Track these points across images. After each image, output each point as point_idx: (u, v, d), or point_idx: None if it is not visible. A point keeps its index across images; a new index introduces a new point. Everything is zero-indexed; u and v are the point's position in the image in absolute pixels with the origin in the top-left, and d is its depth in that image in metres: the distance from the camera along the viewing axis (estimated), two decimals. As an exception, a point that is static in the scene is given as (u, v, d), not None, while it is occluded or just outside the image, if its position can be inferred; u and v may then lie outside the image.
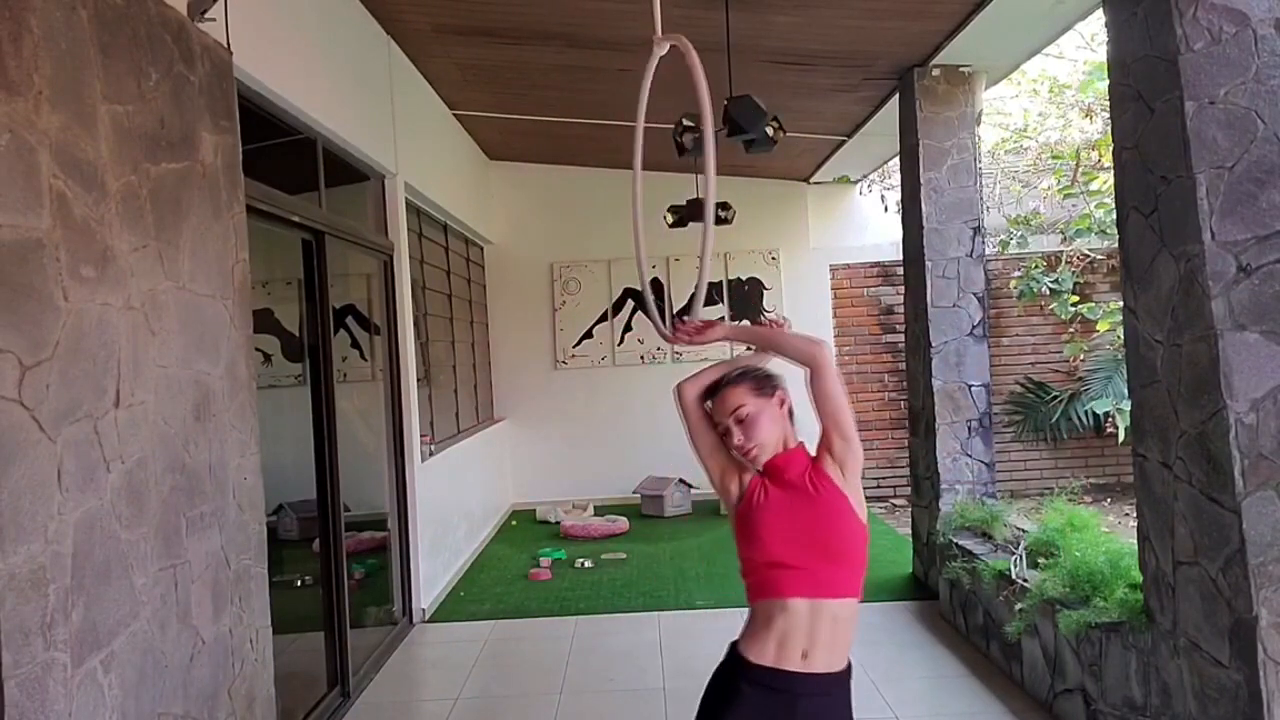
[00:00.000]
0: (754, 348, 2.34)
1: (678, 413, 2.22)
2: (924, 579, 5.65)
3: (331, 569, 4.32)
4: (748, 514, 2.07)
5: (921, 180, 5.46)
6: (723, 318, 8.86)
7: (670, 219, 6.41)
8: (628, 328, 9.04)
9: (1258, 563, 2.47)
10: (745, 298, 8.93)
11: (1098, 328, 8.15)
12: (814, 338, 2.20)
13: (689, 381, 2.22)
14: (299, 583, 5.23)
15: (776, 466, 2.10)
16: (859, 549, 2.05)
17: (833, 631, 1.98)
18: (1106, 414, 7.89)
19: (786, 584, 1.99)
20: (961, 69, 5.44)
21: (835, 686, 2.02)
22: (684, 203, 6.36)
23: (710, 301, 8.98)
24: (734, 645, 2.07)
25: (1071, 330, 8.49)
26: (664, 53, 2.20)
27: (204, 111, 2.98)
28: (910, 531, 6.08)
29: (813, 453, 2.14)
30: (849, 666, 2.05)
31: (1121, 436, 7.44)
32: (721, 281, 9.01)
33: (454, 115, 7.27)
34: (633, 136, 2.36)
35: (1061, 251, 8.45)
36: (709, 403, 2.18)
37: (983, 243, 5.52)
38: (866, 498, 2.12)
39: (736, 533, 2.12)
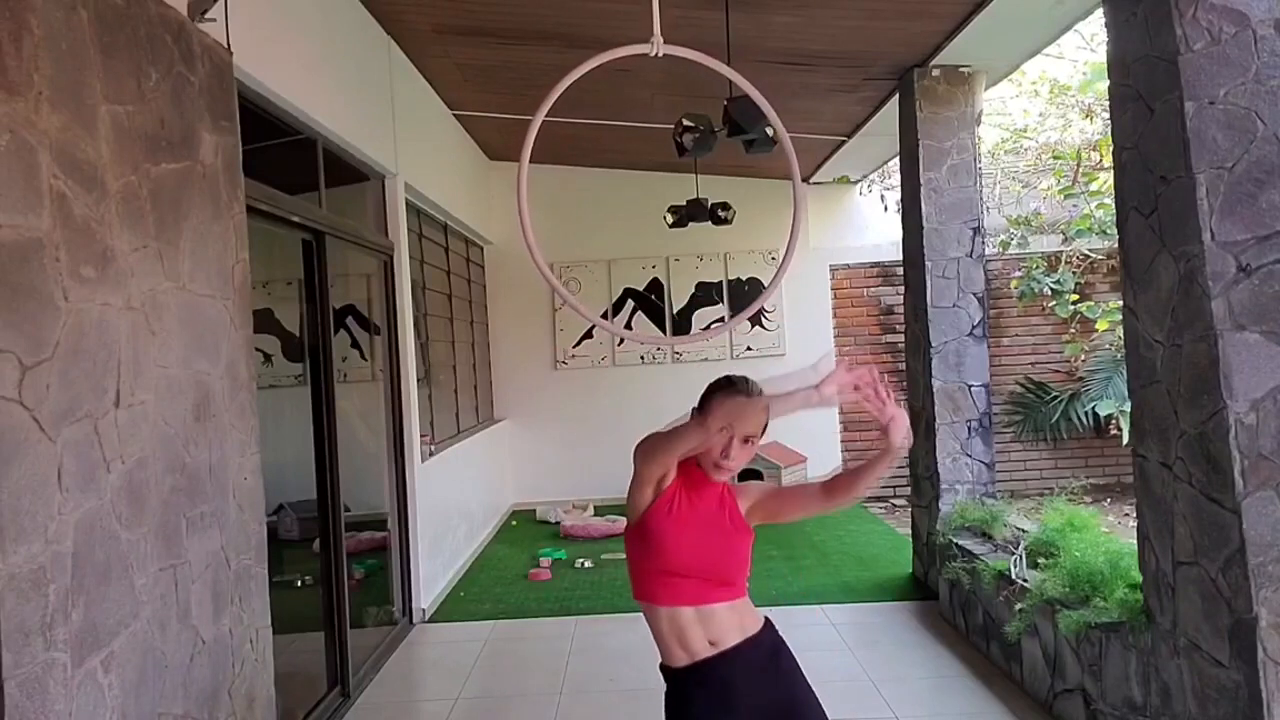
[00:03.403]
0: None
1: (647, 464, 2.06)
2: (924, 579, 5.65)
3: (331, 569, 4.32)
4: (656, 520, 2.08)
5: (921, 180, 5.46)
6: (722, 318, 8.86)
7: (670, 219, 6.42)
8: (628, 327, 9.05)
9: (1257, 563, 2.46)
10: (745, 298, 8.93)
11: (1097, 327, 8.16)
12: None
13: (668, 446, 2.01)
14: (299, 583, 5.24)
15: (699, 487, 2.12)
16: (745, 574, 2.15)
17: (729, 617, 2.09)
18: (1110, 416, 7.88)
19: (671, 594, 2.08)
20: (961, 69, 5.44)
21: (761, 643, 2.12)
22: (684, 203, 6.38)
23: (710, 302, 8.99)
24: (661, 667, 2.17)
25: (1072, 330, 8.49)
26: (654, 54, 2.17)
27: (204, 111, 2.98)
28: (910, 531, 6.08)
29: (736, 485, 2.19)
30: (768, 623, 2.16)
31: (1126, 439, 7.44)
32: (721, 281, 9.01)
33: (454, 115, 7.27)
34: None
35: (1062, 252, 8.45)
36: (726, 395, 2.05)
37: (982, 243, 5.52)
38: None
39: (633, 533, 2.14)
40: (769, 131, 4.30)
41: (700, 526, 2.08)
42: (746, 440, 2.06)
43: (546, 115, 2.07)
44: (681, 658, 2.09)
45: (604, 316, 8.99)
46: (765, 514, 2.19)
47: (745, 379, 2.10)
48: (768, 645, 2.15)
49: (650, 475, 2.08)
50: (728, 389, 2.08)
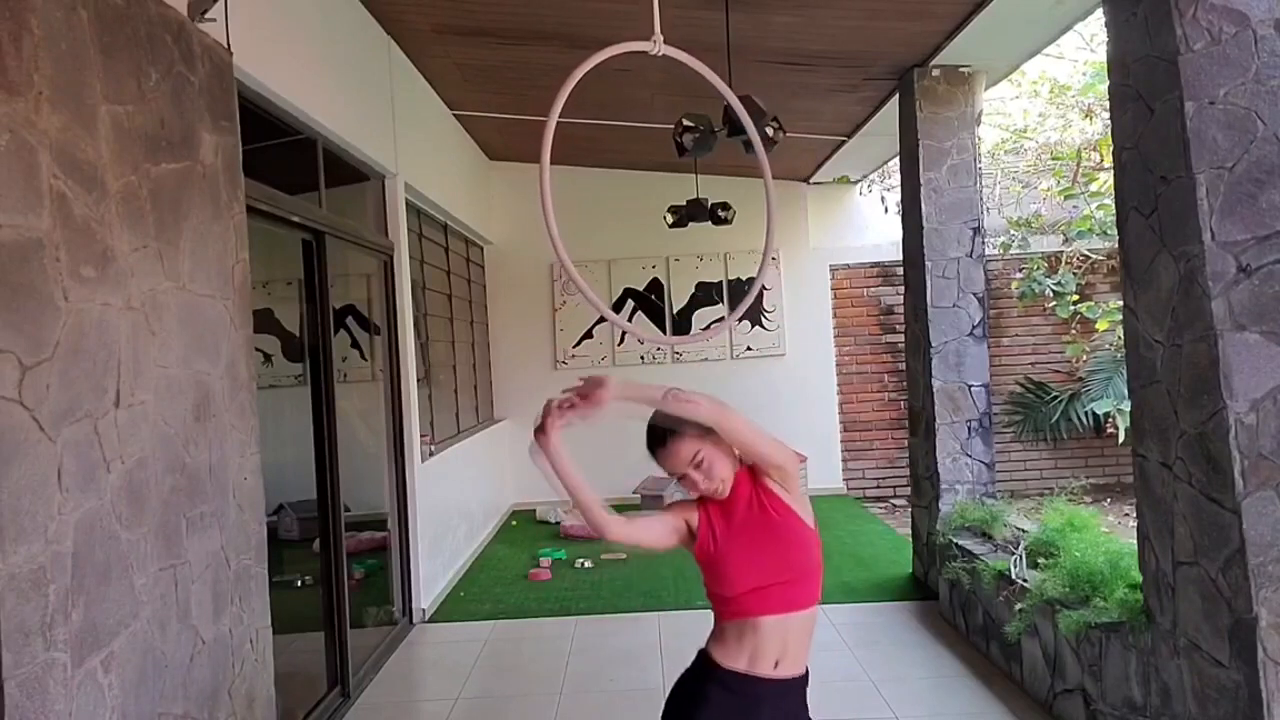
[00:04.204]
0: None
1: (628, 544, 2.17)
2: (924, 579, 5.65)
3: (331, 569, 4.32)
4: (709, 554, 2.08)
5: (921, 180, 5.46)
6: (722, 318, 8.85)
7: (670, 219, 6.41)
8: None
9: (1257, 563, 2.47)
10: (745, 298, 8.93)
11: (1097, 327, 8.16)
12: (706, 397, 2.00)
13: (605, 531, 2.12)
14: (299, 583, 5.24)
15: (725, 499, 2.10)
16: (815, 560, 2.09)
17: (799, 638, 2.06)
18: (1107, 415, 7.89)
19: (756, 606, 2.03)
20: (961, 69, 5.44)
21: (796, 689, 2.09)
22: (684, 203, 6.37)
23: (710, 302, 8.98)
24: (704, 651, 2.12)
25: (1072, 330, 8.50)
26: (655, 52, 2.17)
27: (204, 111, 2.98)
28: (910, 531, 6.08)
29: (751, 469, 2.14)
30: (807, 671, 2.11)
31: (1122, 438, 7.44)
32: (721, 281, 9.01)
33: (454, 115, 7.27)
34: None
35: (1062, 252, 8.46)
36: (655, 458, 2.14)
37: (982, 243, 5.52)
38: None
39: (702, 570, 2.13)
40: (769, 131, 4.30)
41: (749, 537, 2.04)
42: (697, 466, 2.06)
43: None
44: (741, 664, 2.03)
45: (603, 318, 8.98)
46: (768, 472, 2.11)
47: (650, 436, 2.12)
48: (801, 697, 2.10)
49: (655, 545, 2.18)
50: (651, 453, 2.15)
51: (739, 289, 8.96)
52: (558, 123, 2.00)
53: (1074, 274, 8.41)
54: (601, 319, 8.97)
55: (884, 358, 9.09)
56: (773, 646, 2.02)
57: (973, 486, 5.37)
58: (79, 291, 2.24)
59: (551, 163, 1.99)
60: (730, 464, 2.09)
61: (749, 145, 4.37)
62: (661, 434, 2.09)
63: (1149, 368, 2.92)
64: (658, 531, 2.14)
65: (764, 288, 8.94)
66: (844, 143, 7.38)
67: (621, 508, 2.10)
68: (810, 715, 2.13)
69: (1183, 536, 2.76)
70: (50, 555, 2.07)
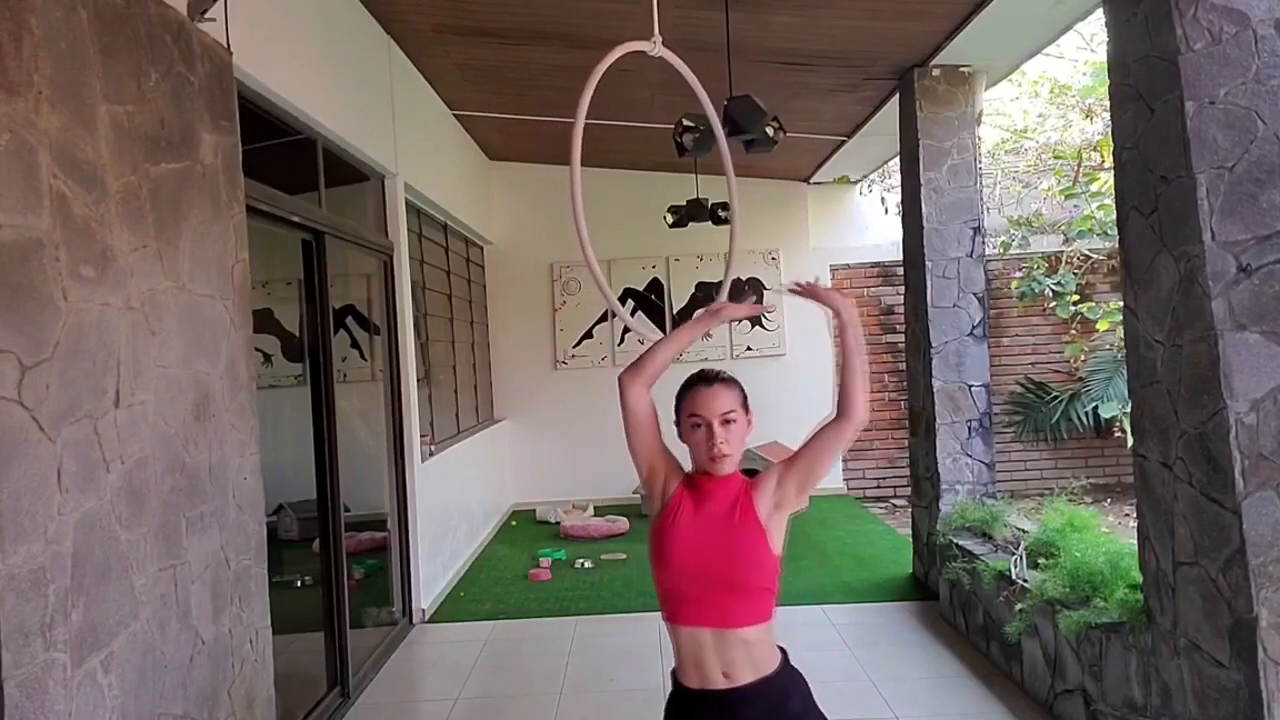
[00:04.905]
0: (837, 336, 2.32)
1: (621, 403, 2.13)
2: (924, 579, 5.65)
3: (331, 569, 4.32)
4: (662, 530, 2.04)
5: (921, 180, 5.46)
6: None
7: (670, 219, 6.42)
8: (627, 328, 9.05)
9: (1258, 563, 2.46)
10: (745, 298, 8.94)
11: (1098, 328, 8.16)
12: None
13: (633, 373, 2.14)
14: (299, 583, 5.23)
15: (708, 488, 2.05)
16: (766, 580, 2.02)
17: (747, 652, 1.98)
18: (1113, 418, 7.87)
19: (687, 612, 2.00)
20: (961, 69, 5.44)
21: (773, 685, 2.01)
22: (684, 203, 6.38)
23: (710, 302, 8.97)
24: (673, 671, 2.10)
25: (1073, 331, 8.49)
26: (652, 51, 2.18)
27: (204, 111, 2.98)
28: (910, 532, 6.08)
29: (751, 480, 2.10)
30: (783, 660, 2.04)
31: (1130, 441, 7.43)
32: (721, 282, 9.01)
33: (454, 115, 7.27)
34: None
35: (1062, 252, 8.46)
36: (686, 393, 2.13)
37: (983, 243, 5.52)
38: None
39: (650, 546, 2.08)
40: (769, 131, 4.30)
41: (702, 530, 2.00)
42: (726, 423, 2.03)
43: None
44: (693, 681, 2.01)
45: (604, 318, 9.02)
46: (797, 481, 2.06)
47: (703, 372, 2.14)
48: (779, 687, 2.02)
49: (636, 454, 2.13)
50: (685, 389, 2.14)
51: (739, 289, 8.96)
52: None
53: (1074, 274, 8.41)
54: (602, 318, 8.99)
55: (884, 358, 9.09)
56: (711, 660, 1.98)
57: (973, 486, 5.37)
58: (79, 291, 2.24)
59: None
60: (741, 454, 2.08)
61: (750, 144, 4.39)
62: (716, 373, 2.12)
63: (1149, 368, 2.92)
64: (649, 427, 2.13)
65: (765, 287, 8.95)
66: (844, 143, 7.38)
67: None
68: (804, 691, 2.06)
69: (1183, 537, 2.76)
70: (50, 555, 2.07)
